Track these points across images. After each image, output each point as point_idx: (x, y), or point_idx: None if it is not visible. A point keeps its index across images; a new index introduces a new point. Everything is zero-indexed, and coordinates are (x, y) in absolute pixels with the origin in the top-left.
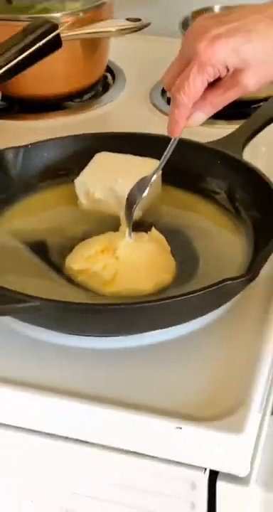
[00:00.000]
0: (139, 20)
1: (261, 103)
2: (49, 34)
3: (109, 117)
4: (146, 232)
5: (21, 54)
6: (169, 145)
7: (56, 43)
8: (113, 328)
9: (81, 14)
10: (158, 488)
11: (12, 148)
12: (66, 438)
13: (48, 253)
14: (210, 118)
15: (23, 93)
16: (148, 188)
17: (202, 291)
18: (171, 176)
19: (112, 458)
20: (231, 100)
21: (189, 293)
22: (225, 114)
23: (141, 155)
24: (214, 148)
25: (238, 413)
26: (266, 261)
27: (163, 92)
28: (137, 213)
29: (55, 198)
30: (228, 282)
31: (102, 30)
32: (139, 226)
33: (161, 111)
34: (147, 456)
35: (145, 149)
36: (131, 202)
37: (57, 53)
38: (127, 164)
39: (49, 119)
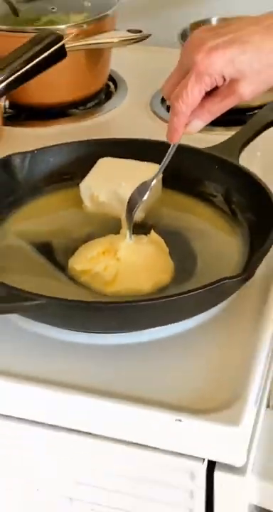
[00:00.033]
0: (140, 31)
1: (256, 111)
2: (54, 45)
3: (111, 124)
4: (147, 233)
5: (28, 64)
6: (169, 151)
7: (61, 54)
8: (115, 326)
9: (85, 26)
10: (159, 477)
11: (19, 153)
12: (70, 430)
13: (54, 254)
14: (208, 125)
15: (29, 101)
16: (148, 192)
17: (201, 290)
18: (171, 180)
19: (115, 449)
20: (227, 108)
21: (189, 291)
22: (222, 121)
23: (142, 160)
24: (211, 154)
25: (235, 406)
26: (262, 261)
27: (163, 100)
28: (140, 215)
29: (60, 201)
30: (226, 281)
31: (104, 41)
32: (141, 228)
33: (161, 118)
34: (148, 447)
35: (146, 155)
36: (131, 205)
37: (62, 63)
38: (129, 169)
39: (54, 125)
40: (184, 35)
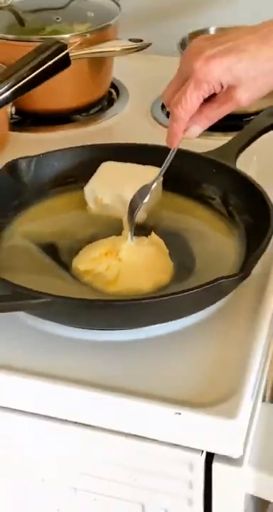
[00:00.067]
0: (141, 40)
1: (253, 117)
2: (59, 54)
3: (113, 130)
4: (148, 235)
5: (33, 72)
6: (168, 155)
7: (65, 62)
8: (118, 323)
9: (88, 35)
10: (160, 468)
11: (25, 157)
12: (74, 423)
13: (58, 254)
14: (206, 130)
15: (35, 108)
16: (149, 195)
17: (200, 288)
18: (171, 183)
19: (117, 441)
20: (225, 114)
21: (188, 290)
22: (220, 127)
23: (143, 164)
24: (210, 158)
25: (232, 400)
26: (258, 261)
27: (163, 106)
28: (142, 216)
29: (65, 203)
30: (223, 280)
31: (107, 50)
32: (142, 229)
33: (161, 124)
34: (149, 439)
35: (146, 159)
36: (133, 208)
37: (66, 71)
38: (131, 172)
39: (59, 131)
40: (183, 44)
